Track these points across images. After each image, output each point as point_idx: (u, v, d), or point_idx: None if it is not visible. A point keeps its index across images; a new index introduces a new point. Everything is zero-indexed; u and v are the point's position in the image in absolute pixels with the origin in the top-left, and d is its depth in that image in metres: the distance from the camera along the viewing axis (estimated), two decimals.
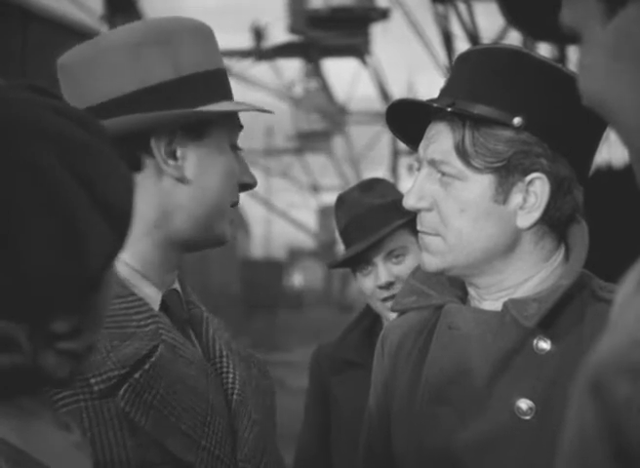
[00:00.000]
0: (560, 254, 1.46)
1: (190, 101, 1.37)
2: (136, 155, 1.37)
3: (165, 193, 1.38)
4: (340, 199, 2.45)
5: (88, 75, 1.39)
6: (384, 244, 2.33)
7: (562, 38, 0.85)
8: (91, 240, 0.90)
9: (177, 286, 1.44)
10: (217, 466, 1.32)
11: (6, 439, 0.91)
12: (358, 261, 2.37)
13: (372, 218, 2.34)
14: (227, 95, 1.43)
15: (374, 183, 2.45)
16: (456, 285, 1.52)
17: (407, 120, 1.50)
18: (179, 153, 1.38)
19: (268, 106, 1.49)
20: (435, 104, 1.42)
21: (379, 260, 2.34)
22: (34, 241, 0.87)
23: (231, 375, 1.40)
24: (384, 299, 2.32)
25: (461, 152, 1.40)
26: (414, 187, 1.45)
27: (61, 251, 0.88)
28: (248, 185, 1.46)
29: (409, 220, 2.28)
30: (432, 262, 1.45)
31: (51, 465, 0.92)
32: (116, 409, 1.26)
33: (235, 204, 1.44)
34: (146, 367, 1.30)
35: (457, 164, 1.41)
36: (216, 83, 1.41)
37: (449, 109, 1.40)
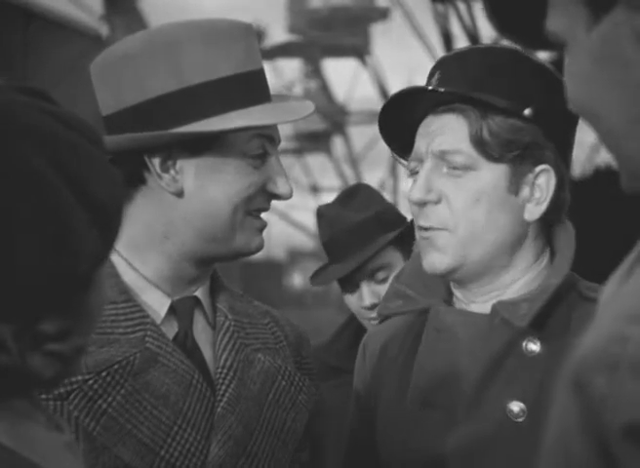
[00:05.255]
0: (546, 256, 1.45)
1: (193, 114, 1.34)
2: (136, 170, 1.36)
3: (168, 205, 1.37)
4: (320, 214, 2.36)
5: (98, 88, 1.40)
6: (367, 264, 2.26)
7: (548, 45, 0.85)
8: (79, 240, 0.90)
9: (199, 293, 1.43)
10: None
11: None
12: (342, 281, 2.32)
13: (351, 238, 2.27)
14: (248, 100, 1.37)
15: (355, 193, 2.36)
16: (440, 285, 1.50)
17: (398, 128, 1.49)
18: (177, 167, 1.36)
19: None
20: (455, 91, 1.41)
21: (362, 282, 2.28)
22: (22, 241, 0.87)
23: (224, 387, 1.38)
24: (370, 319, 2.28)
25: (478, 141, 1.39)
26: (419, 180, 1.43)
27: (49, 251, 0.88)
28: (277, 195, 1.42)
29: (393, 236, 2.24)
30: (442, 261, 1.41)
31: (43, 465, 0.92)
32: (69, 413, 1.28)
33: (259, 210, 1.41)
34: (103, 374, 1.30)
35: (471, 153, 1.40)
36: (230, 90, 1.36)
37: (469, 96, 1.39)
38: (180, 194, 1.37)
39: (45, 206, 0.88)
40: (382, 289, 2.24)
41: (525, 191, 1.41)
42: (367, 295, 2.28)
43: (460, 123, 1.41)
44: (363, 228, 2.28)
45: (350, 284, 2.32)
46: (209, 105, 1.35)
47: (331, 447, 2.42)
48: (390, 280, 2.21)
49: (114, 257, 1.39)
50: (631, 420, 0.66)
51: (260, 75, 1.41)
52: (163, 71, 1.34)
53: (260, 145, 1.40)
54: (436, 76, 1.45)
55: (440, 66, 1.46)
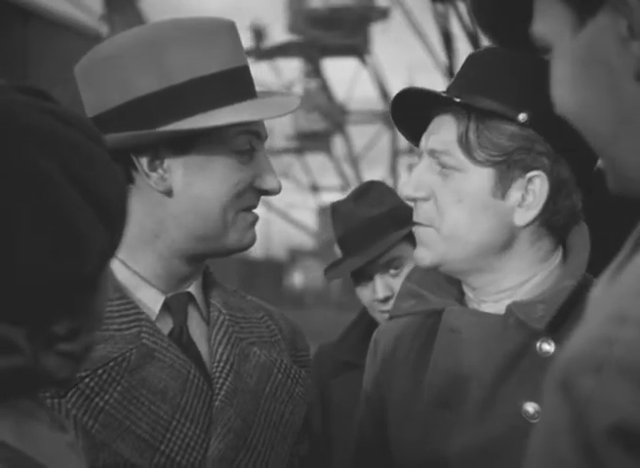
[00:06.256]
0: (558, 256, 1.44)
1: (179, 112, 1.34)
2: (124, 170, 1.36)
3: (157, 204, 1.37)
4: (334, 209, 2.39)
5: (83, 89, 1.40)
6: (381, 258, 2.28)
7: (534, 49, 0.85)
8: (87, 240, 0.90)
9: (192, 289, 1.43)
10: None
11: (2, 440, 0.91)
12: (355, 274, 2.34)
13: (366, 232, 2.30)
14: (233, 97, 1.37)
15: (369, 190, 2.38)
16: (452, 285, 1.50)
17: (411, 116, 1.49)
18: (165, 165, 1.36)
19: None
20: (443, 94, 1.41)
21: (376, 274, 2.30)
22: (31, 243, 0.87)
23: (221, 381, 1.39)
24: (383, 311, 2.29)
25: (464, 143, 1.39)
26: (412, 177, 1.44)
27: (58, 252, 0.88)
28: (266, 191, 1.41)
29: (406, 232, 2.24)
30: (426, 256, 1.43)
31: (47, 465, 0.92)
32: (68, 411, 1.28)
33: (249, 208, 1.41)
34: (99, 372, 1.30)
35: (458, 155, 1.40)
36: (215, 88, 1.36)
37: (457, 100, 1.39)
38: (168, 193, 1.37)
39: (52, 207, 0.88)
40: (396, 282, 2.27)
41: (515, 196, 1.40)
42: (380, 288, 2.29)
43: (451, 124, 1.41)
44: (377, 223, 2.30)
45: (364, 277, 2.33)
46: (194, 103, 1.35)
47: (340, 441, 2.43)
48: (404, 273, 2.24)
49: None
50: (616, 422, 0.66)
51: (244, 71, 1.41)
52: (148, 71, 1.34)
53: (247, 141, 1.39)
54: (457, 74, 1.47)
55: (460, 68, 1.47)
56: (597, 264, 1.55)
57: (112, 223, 0.94)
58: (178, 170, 1.36)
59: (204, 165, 1.36)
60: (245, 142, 1.38)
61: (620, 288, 0.74)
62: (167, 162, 1.36)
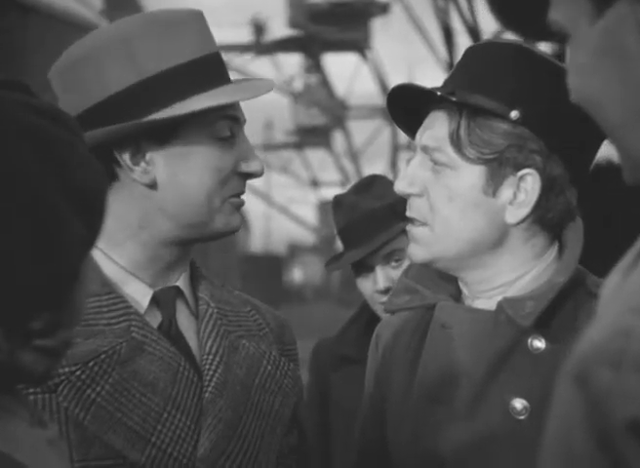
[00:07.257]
0: (553, 251, 1.44)
1: (156, 103, 1.35)
2: (107, 166, 1.36)
3: (142, 197, 1.38)
4: (337, 201, 2.41)
5: (60, 92, 1.40)
6: (382, 249, 2.30)
7: (551, 36, 0.85)
8: (65, 236, 0.90)
9: (180, 283, 1.44)
10: (168, 464, 1.32)
11: None
12: (356, 266, 2.35)
13: (369, 224, 2.31)
14: (206, 84, 1.38)
15: (371, 183, 2.40)
16: (449, 281, 1.50)
17: (408, 110, 1.49)
18: (147, 158, 1.36)
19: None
20: (437, 92, 1.40)
21: (377, 265, 2.32)
22: (8, 241, 0.86)
23: (211, 373, 1.39)
24: (383, 303, 2.30)
25: (455, 141, 1.39)
26: (406, 172, 1.44)
27: (36, 249, 0.88)
28: (251, 174, 1.42)
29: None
30: (418, 253, 1.43)
31: (24, 462, 0.91)
32: (59, 404, 1.29)
33: (236, 195, 1.42)
34: (90, 364, 1.31)
35: (449, 152, 1.40)
36: (187, 76, 1.37)
37: (451, 98, 1.38)
38: (153, 185, 1.37)
39: (30, 203, 0.88)
40: (396, 273, 2.27)
41: (506, 194, 1.39)
42: (381, 279, 2.30)
43: (444, 120, 1.41)
44: (379, 216, 2.32)
45: (365, 267, 2.34)
46: (170, 92, 1.36)
47: (339, 434, 2.43)
48: (404, 265, 2.23)
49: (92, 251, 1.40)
50: (634, 415, 0.66)
51: (216, 58, 1.42)
52: (122, 66, 1.35)
53: (227, 127, 1.40)
54: (454, 67, 1.46)
55: (462, 57, 1.47)
56: (598, 260, 1.55)
57: (91, 218, 0.94)
58: (160, 161, 1.37)
59: (186, 154, 1.37)
60: (225, 128, 1.39)
61: (636, 281, 0.73)
62: (149, 154, 1.36)
